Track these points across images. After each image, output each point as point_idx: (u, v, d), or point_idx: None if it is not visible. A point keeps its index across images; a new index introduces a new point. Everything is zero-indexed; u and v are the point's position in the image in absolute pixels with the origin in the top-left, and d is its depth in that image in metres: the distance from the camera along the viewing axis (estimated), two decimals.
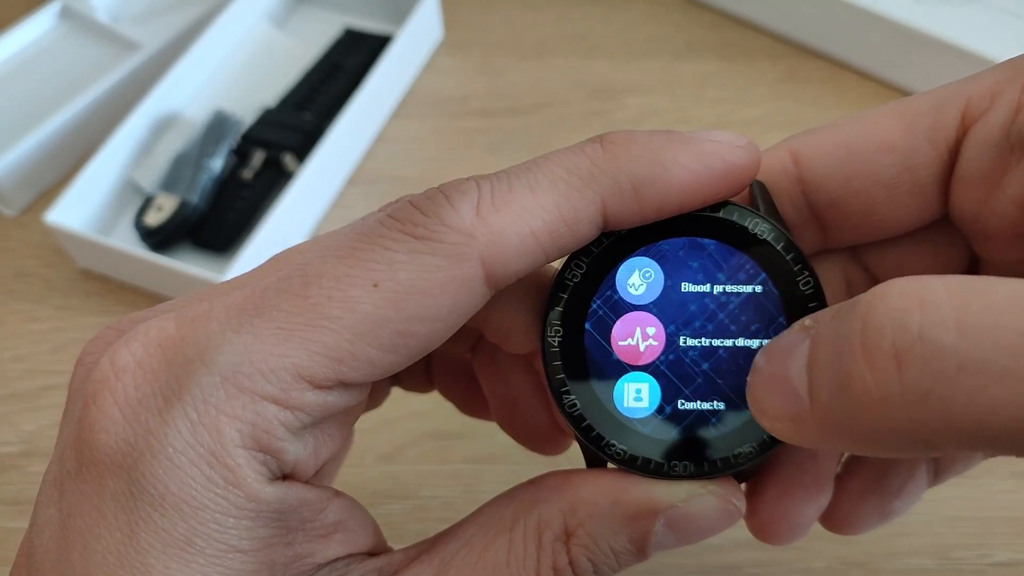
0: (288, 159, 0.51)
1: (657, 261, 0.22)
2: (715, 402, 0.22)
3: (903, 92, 0.55)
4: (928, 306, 0.15)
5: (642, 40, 0.60)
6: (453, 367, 0.30)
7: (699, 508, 0.21)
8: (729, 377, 0.22)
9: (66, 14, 0.59)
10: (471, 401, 0.30)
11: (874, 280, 0.26)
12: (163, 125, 0.53)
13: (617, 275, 0.22)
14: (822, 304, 0.21)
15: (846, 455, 0.26)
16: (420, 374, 0.30)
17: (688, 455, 0.22)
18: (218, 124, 0.52)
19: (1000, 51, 0.50)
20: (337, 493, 0.21)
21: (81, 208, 0.48)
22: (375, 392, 0.30)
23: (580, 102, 0.56)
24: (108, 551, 0.18)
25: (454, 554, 0.21)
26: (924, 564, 0.37)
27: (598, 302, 0.22)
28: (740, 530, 0.38)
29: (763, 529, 0.25)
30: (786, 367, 0.18)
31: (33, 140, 0.51)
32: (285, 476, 0.20)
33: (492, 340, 0.25)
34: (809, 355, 0.17)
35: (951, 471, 0.26)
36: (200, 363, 0.18)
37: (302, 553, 0.20)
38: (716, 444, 0.22)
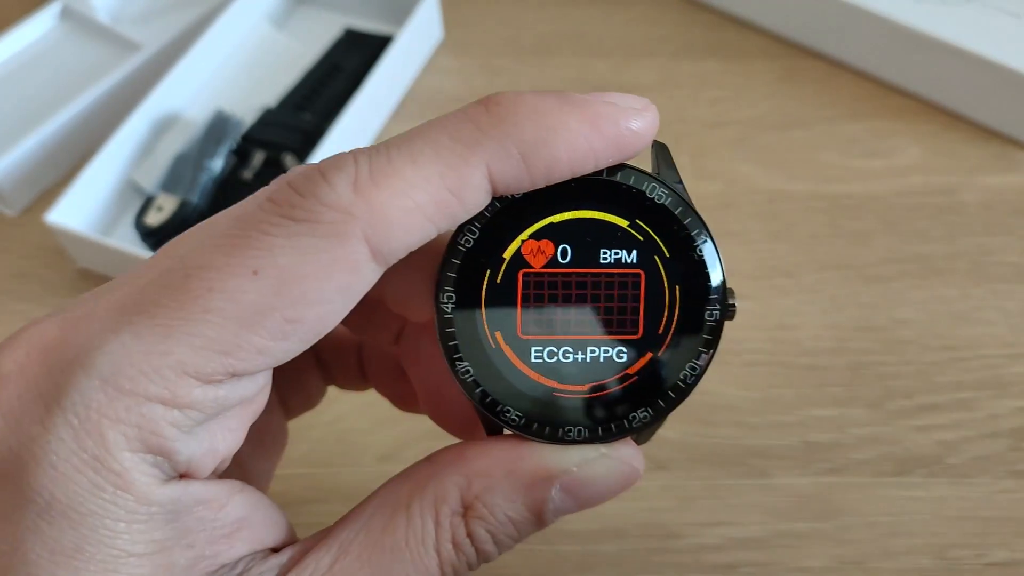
0: (288, 159, 0.51)
1: (553, 225, 0.21)
2: (609, 369, 0.22)
3: (900, 92, 0.55)
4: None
5: (640, 40, 0.60)
6: (384, 362, 0.29)
7: (594, 472, 0.21)
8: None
9: (66, 14, 0.59)
10: (405, 395, 0.29)
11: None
12: (163, 125, 0.53)
13: (512, 239, 0.21)
14: (717, 270, 0.22)
15: None
16: (353, 371, 0.30)
17: (583, 420, 0.22)
18: (218, 124, 0.52)
19: (999, 51, 0.50)
20: (242, 489, 0.21)
21: (81, 208, 0.48)
22: (307, 391, 0.30)
23: None
24: None
25: (352, 537, 0.21)
26: (921, 563, 0.37)
27: (492, 268, 0.21)
28: (738, 528, 0.38)
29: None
30: None
31: (33, 140, 0.51)
32: (182, 475, 0.19)
33: (396, 310, 0.25)
34: None
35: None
36: (79, 367, 0.18)
37: (205, 554, 0.20)
38: (612, 409, 0.22)
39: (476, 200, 0.20)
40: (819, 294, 0.46)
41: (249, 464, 0.28)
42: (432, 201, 0.19)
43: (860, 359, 0.43)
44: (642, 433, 0.22)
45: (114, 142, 0.50)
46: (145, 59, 0.56)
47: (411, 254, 0.20)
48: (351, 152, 0.19)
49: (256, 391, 0.20)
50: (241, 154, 0.52)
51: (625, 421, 0.22)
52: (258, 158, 0.51)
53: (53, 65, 0.57)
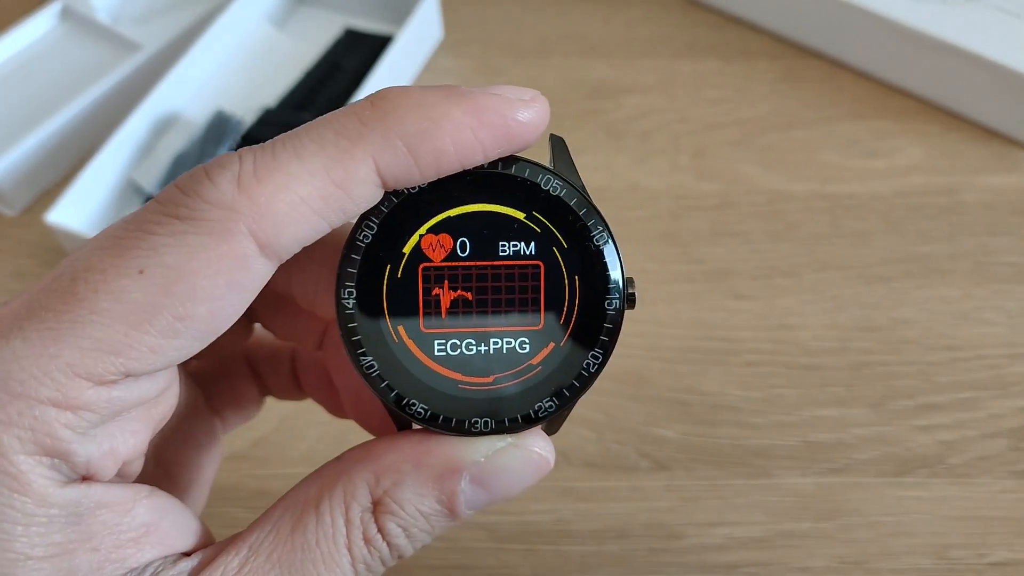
0: None
1: (451, 219, 0.21)
2: (513, 360, 0.22)
3: (901, 92, 0.55)
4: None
5: (641, 40, 0.60)
6: (317, 369, 0.29)
7: (502, 462, 0.21)
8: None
9: (66, 14, 0.59)
10: (338, 402, 0.29)
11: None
12: (163, 125, 0.53)
13: (410, 234, 0.21)
14: (615, 259, 0.22)
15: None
16: (288, 381, 0.30)
17: (489, 412, 0.22)
18: (218, 124, 0.52)
19: (999, 51, 0.50)
20: (150, 493, 0.21)
21: (81, 208, 0.48)
22: (243, 402, 0.30)
23: (579, 101, 0.57)
24: None
25: (263, 539, 0.21)
26: (922, 563, 0.37)
27: (392, 262, 0.21)
28: (740, 528, 0.38)
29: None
30: None
31: (33, 140, 0.51)
32: (85, 478, 0.19)
33: (307, 307, 0.25)
34: None
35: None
36: None
37: (112, 558, 0.19)
38: (517, 400, 0.22)
39: (364, 194, 0.20)
40: (820, 294, 0.46)
41: (180, 474, 0.28)
42: (318, 195, 0.19)
43: (861, 359, 0.43)
44: (551, 423, 0.22)
45: (114, 142, 0.50)
46: (145, 59, 0.56)
47: (316, 250, 0.20)
48: (238, 151, 0.20)
49: (157, 392, 0.20)
50: None
51: (531, 411, 0.22)
52: None
53: (53, 65, 0.57)
